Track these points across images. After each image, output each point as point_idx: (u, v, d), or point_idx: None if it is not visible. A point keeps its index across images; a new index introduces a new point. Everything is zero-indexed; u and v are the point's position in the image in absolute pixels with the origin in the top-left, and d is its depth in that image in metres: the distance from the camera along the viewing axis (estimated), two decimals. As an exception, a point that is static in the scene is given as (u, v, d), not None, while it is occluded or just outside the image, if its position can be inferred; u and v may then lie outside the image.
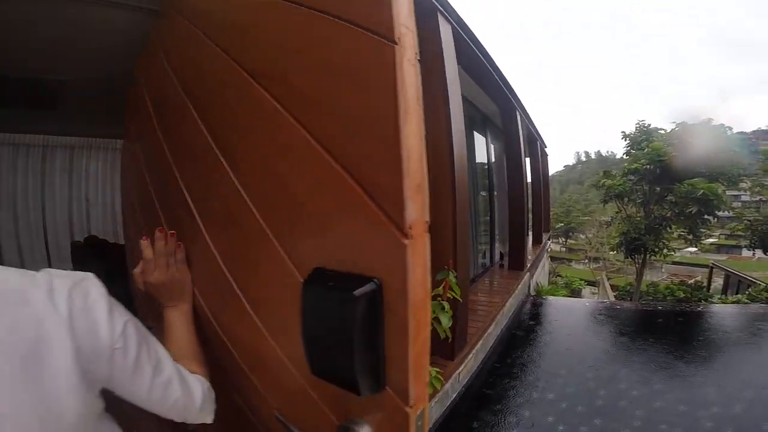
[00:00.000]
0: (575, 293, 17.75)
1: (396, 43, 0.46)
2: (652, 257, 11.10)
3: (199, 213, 0.90)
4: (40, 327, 0.53)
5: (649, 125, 11.29)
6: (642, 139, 10.85)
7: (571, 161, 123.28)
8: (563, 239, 40.80)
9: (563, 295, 9.64)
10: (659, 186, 10.05)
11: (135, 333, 0.64)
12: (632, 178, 10.46)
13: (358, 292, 0.48)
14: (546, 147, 10.94)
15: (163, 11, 1.29)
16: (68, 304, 0.56)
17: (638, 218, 10.59)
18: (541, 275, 9.01)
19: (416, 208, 0.45)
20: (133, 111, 1.56)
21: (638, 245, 10.24)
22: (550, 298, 7.61)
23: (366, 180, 0.49)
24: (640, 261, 10.90)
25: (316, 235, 0.59)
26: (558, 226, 33.70)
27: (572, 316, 6.60)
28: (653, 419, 3.28)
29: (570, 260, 36.87)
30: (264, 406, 0.86)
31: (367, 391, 0.52)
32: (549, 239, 9.85)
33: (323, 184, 0.55)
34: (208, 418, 0.79)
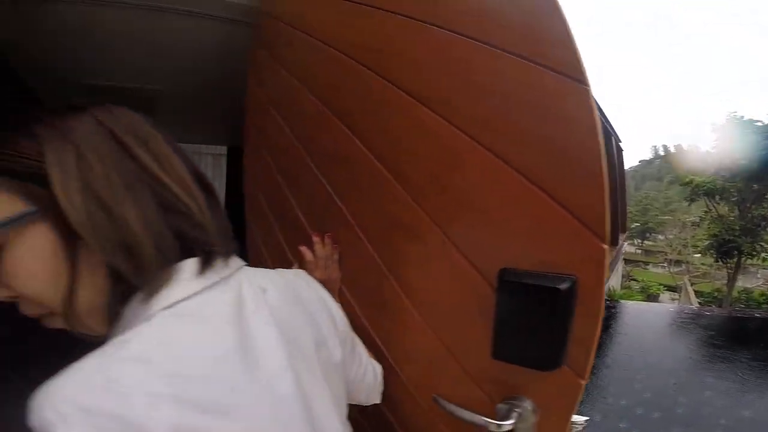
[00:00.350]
0: (652, 299, 16.48)
1: (587, 85, 0.56)
2: (747, 261, 10.07)
3: (354, 219, 1.02)
4: (316, 319, 0.64)
5: (742, 116, 10.20)
6: (735, 131, 9.85)
7: (648, 155, 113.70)
8: (638, 240, 37.95)
9: (639, 301, 9.03)
10: (758, 183, 9.08)
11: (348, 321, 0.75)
12: (724, 174, 9.54)
13: (562, 286, 0.59)
14: (621, 142, 10.28)
15: (272, 26, 1.37)
16: (315, 297, 0.67)
17: (732, 218, 9.64)
18: (614, 279, 8.54)
19: (608, 220, 0.56)
20: (256, 120, 1.65)
21: (731, 248, 9.33)
22: (627, 302, 7.22)
23: (567, 198, 0.59)
24: (733, 265, 9.92)
25: (499, 241, 0.70)
26: (633, 226, 31.36)
27: (652, 321, 6.22)
28: (738, 428, 3.06)
29: (646, 263, 34.20)
30: (407, 397, 0.94)
31: (551, 368, 0.63)
32: (625, 241, 9.28)
33: (511, 199, 0.66)
34: (379, 399, 0.89)
